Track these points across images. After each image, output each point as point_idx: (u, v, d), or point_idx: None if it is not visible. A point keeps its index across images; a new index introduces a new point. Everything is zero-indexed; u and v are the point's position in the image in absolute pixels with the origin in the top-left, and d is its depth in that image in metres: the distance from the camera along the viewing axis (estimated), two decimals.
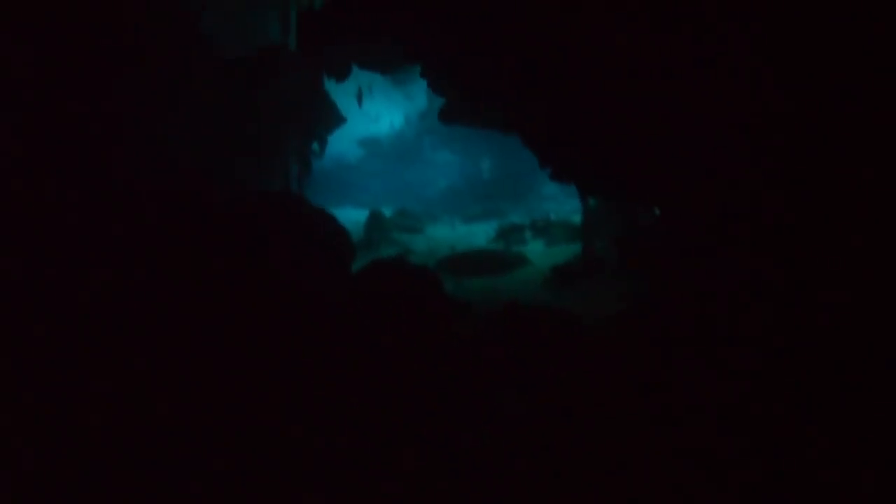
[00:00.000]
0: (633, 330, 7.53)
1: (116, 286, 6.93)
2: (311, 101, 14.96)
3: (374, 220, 20.67)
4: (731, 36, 6.87)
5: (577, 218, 20.22)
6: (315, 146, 18.41)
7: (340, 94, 20.66)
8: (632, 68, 8.07)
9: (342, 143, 33.51)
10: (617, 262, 11.80)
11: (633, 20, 7.76)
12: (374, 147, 34.74)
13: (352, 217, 25.99)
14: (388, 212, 24.17)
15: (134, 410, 5.35)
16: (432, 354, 7.26)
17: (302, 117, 15.23)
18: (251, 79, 13.24)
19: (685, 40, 7.53)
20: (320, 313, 7.53)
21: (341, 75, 12.20)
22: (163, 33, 10.12)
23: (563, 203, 24.40)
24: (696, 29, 7.25)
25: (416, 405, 6.14)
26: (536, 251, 16.24)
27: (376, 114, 33.69)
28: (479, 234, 20.73)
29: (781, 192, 7.42)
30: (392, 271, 8.53)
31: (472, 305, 9.47)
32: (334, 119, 18.23)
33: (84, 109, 8.01)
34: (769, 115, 6.89)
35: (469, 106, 10.09)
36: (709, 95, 7.65)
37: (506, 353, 7.42)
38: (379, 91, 32.24)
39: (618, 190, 9.69)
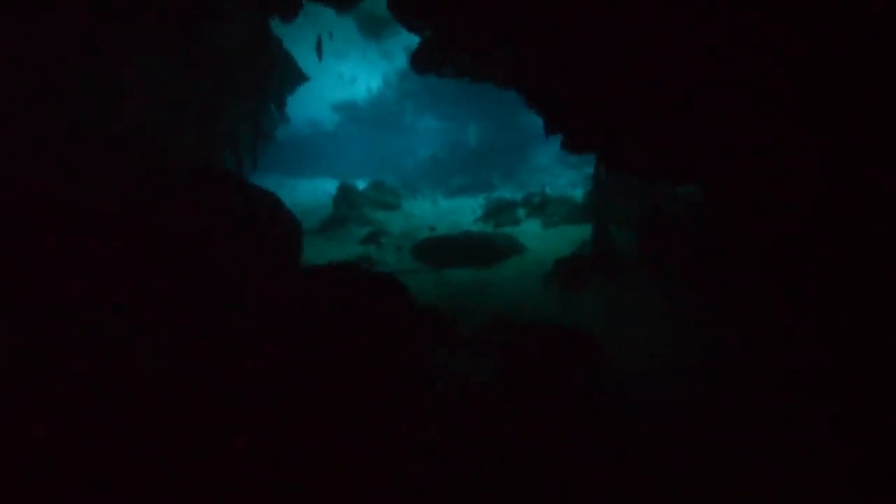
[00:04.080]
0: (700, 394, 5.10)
1: None
2: (259, 50, 12.14)
3: (344, 194, 17.96)
4: None
5: (577, 193, 17.73)
6: (273, 109, 15.65)
7: (305, 50, 17.90)
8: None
9: (315, 108, 30.66)
10: (637, 255, 9.37)
11: None
12: (351, 112, 31.80)
13: (323, 189, 23.37)
14: (362, 184, 21.52)
15: None
16: (392, 409, 4.80)
17: (249, 72, 12.47)
18: (183, 18, 10.40)
19: None
20: (236, 341, 5.00)
21: (288, 12, 9.41)
22: None
23: (558, 175, 21.80)
24: None
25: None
26: (532, 233, 13.72)
27: (352, 75, 30.69)
28: (464, 211, 18.18)
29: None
30: (346, 280, 6.00)
31: (457, 320, 6.98)
32: (293, 76, 15.44)
33: None
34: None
35: (452, 49, 7.46)
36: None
37: (496, 406, 4.98)
38: (355, 50, 29.25)
39: (653, 163, 7.18)
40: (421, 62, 7.89)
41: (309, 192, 23.10)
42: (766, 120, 5.86)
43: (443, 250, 11.83)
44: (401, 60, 28.24)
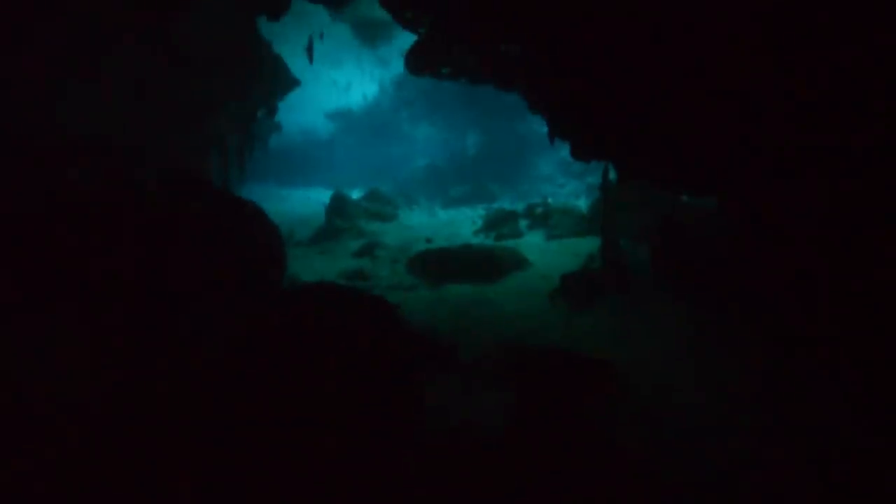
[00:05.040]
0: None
1: None
2: (246, 50, 11.45)
3: (338, 204, 17.24)
4: None
5: (581, 203, 17.04)
6: (261, 114, 14.96)
7: (296, 54, 17.23)
8: None
9: (309, 116, 29.99)
10: (651, 270, 8.66)
11: None
12: (345, 120, 31.13)
13: (317, 199, 22.62)
14: (357, 194, 20.80)
15: None
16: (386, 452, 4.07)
17: (236, 73, 11.79)
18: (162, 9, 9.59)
19: None
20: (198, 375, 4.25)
21: (277, 9, 8.71)
22: None
23: (561, 185, 21.06)
24: None
25: None
26: (535, 246, 13.01)
27: (347, 83, 30.08)
28: (462, 222, 17.47)
29: None
30: (326, 303, 5.28)
31: (457, 345, 6.26)
32: (285, 81, 14.78)
33: None
34: None
35: (451, 47, 6.76)
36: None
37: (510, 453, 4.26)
38: (349, 56, 28.65)
39: (668, 172, 6.50)
40: (416, 62, 7.18)
41: (302, 202, 22.41)
42: (786, 126, 5.23)
43: (441, 264, 11.09)
44: (397, 67, 27.65)
